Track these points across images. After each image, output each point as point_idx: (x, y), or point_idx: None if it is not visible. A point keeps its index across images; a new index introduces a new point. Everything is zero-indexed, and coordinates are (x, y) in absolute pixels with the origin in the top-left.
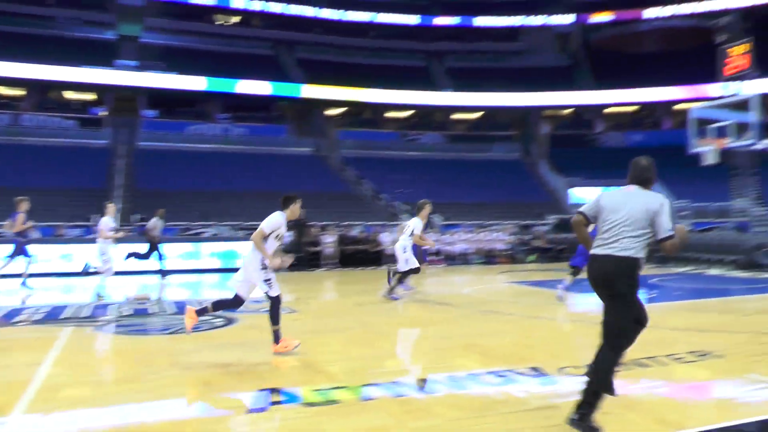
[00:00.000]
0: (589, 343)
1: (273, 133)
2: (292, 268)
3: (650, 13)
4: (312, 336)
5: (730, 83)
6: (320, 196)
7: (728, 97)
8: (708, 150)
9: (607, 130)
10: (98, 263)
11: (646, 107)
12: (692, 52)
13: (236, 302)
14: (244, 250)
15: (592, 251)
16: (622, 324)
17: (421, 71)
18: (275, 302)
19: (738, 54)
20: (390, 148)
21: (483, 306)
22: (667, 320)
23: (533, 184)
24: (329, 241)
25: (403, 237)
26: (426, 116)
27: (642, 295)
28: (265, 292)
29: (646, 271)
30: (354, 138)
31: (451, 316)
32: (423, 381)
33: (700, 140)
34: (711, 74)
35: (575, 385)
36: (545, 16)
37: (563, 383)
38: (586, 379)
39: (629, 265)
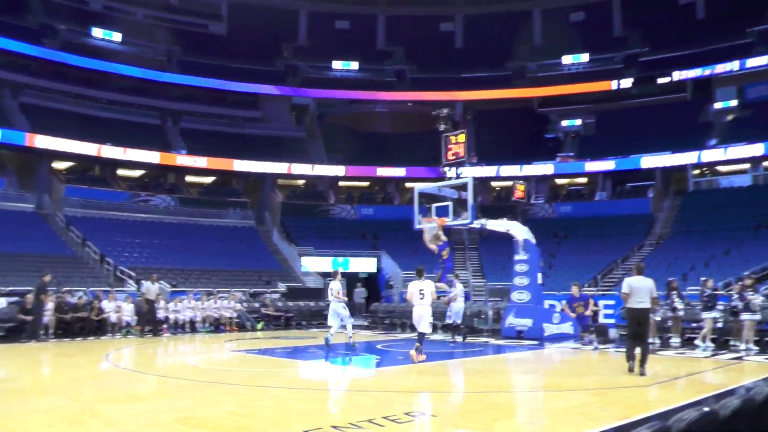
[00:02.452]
0: (306, 410)
1: None
2: (1, 339)
3: (382, 96)
4: (11, 419)
5: (451, 168)
6: (41, 258)
7: (448, 179)
8: (430, 227)
9: (339, 202)
10: None
11: (378, 182)
12: (420, 134)
13: None
14: None
15: (630, 305)
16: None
17: (155, 129)
18: None
19: (457, 142)
20: (119, 209)
21: (204, 376)
22: (388, 383)
23: (265, 251)
24: (47, 308)
25: (332, 298)
26: (159, 177)
27: (367, 360)
28: None
29: (373, 337)
30: (81, 196)
31: (170, 387)
32: None
33: (423, 218)
34: (437, 157)
35: None
36: (283, 87)
37: None
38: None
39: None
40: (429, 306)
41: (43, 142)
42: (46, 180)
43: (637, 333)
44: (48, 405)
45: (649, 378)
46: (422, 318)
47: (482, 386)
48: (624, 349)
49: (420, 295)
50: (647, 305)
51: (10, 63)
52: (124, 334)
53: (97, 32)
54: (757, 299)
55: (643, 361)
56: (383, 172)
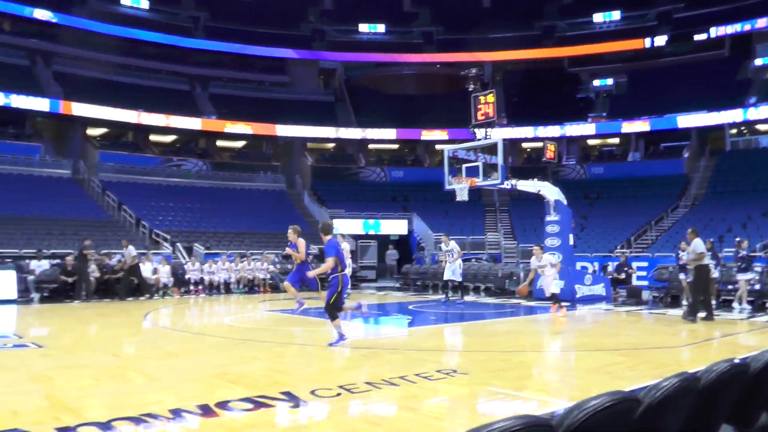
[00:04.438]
0: (340, 368)
1: (26, 152)
2: (45, 300)
3: (409, 58)
4: (61, 371)
5: (481, 128)
6: (79, 223)
7: (478, 140)
8: (461, 187)
9: (369, 164)
10: None
11: (407, 145)
12: (448, 96)
13: None
14: None
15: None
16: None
17: (185, 95)
18: None
19: (486, 102)
20: (152, 174)
21: (240, 334)
22: (420, 343)
23: (296, 214)
24: (88, 270)
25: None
26: (190, 142)
27: (401, 320)
28: None
29: (405, 298)
30: (116, 161)
31: (205, 345)
32: (173, 411)
33: (454, 178)
34: (465, 118)
35: (325, 407)
36: (310, 51)
37: (314, 406)
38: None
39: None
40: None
41: (78, 109)
42: (80, 146)
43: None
44: (92, 361)
45: (682, 339)
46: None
47: (513, 346)
48: (656, 311)
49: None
50: None
51: (42, 32)
52: (161, 295)
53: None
54: None
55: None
56: (412, 134)
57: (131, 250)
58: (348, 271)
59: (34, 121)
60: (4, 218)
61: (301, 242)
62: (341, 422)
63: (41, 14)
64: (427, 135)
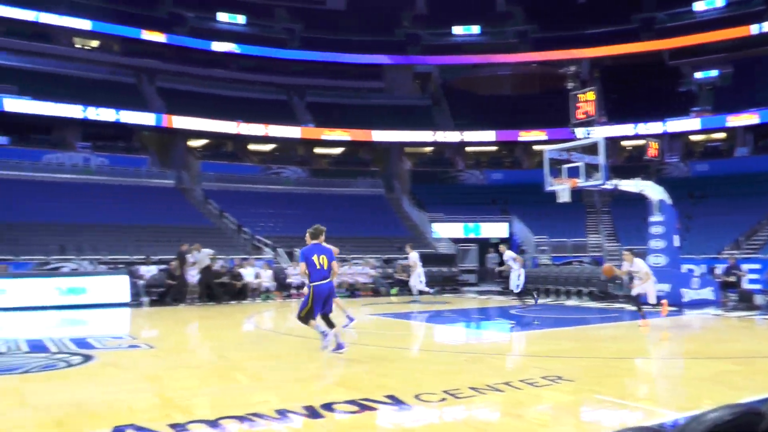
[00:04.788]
0: (443, 372)
1: (135, 164)
2: (154, 303)
3: (504, 58)
4: (170, 371)
5: (581, 127)
6: (183, 230)
7: (579, 140)
8: (562, 189)
9: (468, 167)
10: None
11: (505, 146)
12: (545, 95)
13: None
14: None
15: None
16: None
17: (283, 105)
18: None
19: (586, 100)
20: (252, 182)
21: (342, 338)
22: (524, 348)
23: (395, 218)
24: (191, 274)
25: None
26: (288, 150)
27: (504, 324)
28: None
29: (506, 302)
30: (216, 171)
31: (308, 348)
32: (278, 412)
33: (554, 179)
34: (564, 118)
35: (430, 411)
36: (404, 56)
37: (418, 409)
38: None
39: None
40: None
41: (179, 122)
42: (183, 157)
43: None
44: (198, 361)
45: None
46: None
47: (619, 352)
48: None
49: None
50: None
51: (146, 51)
52: (263, 299)
53: (222, 16)
54: None
55: None
56: (510, 135)
57: (206, 252)
58: (414, 281)
59: (140, 134)
60: (116, 227)
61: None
62: (446, 427)
63: (148, 35)
64: (524, 136)
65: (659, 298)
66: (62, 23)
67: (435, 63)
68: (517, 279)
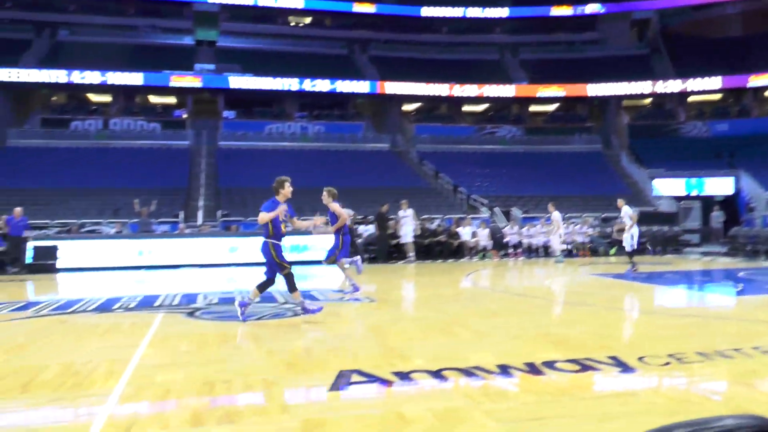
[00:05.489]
0: (667, 335)
1: (350, 130)
2: (372, 260)
3: None
4: (390, 323)
5: None
6: (399, 191)
7: None
8: None
9: (689, 119)
10: None
11: (732, 94)
12: None
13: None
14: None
15: None
16: None
17: (493, 64)
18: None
19: None
20: (467, 142)
21: (561, 297)
22: (755, 313)
23: (613, 176)
24: (401, 233)
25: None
26: (502, 109)
27: (730, 288)
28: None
29: (733, 264)
30: (430, 133)
31: (527, 306)
32: (500, 366)
33: None
34: None
35: (654, 374)
36: (620, 3)
37: (642, 372)
38: None
39: None
40: None
41: (391, 88)
42: (397, 121)
43: None
44: (419, 315)
45: None
46: None
47: None
48: None
49: None
50: None
51: (357, 23)
52: (480, 258)
53: None
54: None
55: None
56: (738, 81)
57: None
58: (555, 242)
59: (355, 102)
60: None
61: (336, 207)
62: (672, 391)
63: (358, 7)
64: (755, 81)
65: None
66: (278, 4)
67: (654, 8)
68: (630, 239)
